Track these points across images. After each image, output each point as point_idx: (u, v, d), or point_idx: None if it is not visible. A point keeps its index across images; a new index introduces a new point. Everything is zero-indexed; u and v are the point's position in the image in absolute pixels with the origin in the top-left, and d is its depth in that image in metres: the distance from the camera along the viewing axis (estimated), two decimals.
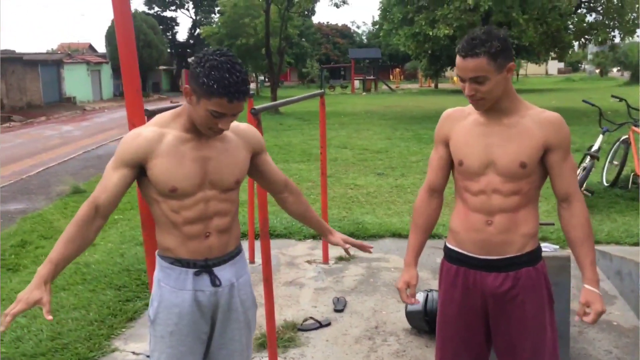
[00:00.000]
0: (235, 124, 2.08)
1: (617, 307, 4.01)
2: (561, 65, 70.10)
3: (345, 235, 2.38)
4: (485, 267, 2.10)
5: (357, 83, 41.84)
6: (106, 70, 38.85)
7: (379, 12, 21.55)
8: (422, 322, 3.66)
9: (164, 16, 52.13)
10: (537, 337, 2.13)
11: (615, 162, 7.31)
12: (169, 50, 48.06)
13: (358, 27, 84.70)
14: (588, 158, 6.75)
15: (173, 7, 52.70)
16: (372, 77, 42.53)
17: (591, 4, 19.09)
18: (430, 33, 17.35)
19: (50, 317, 1.72)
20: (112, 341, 3.78)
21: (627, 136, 7.21)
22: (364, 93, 38.24)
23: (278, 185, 2.23)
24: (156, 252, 2.09)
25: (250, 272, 2.22)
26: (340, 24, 65.47)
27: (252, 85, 37.76)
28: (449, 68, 42.33)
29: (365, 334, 3.77)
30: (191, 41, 53.57)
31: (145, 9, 50.34)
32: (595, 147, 6.86)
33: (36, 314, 4.13)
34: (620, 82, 40.99)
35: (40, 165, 11.73)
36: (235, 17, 33.32)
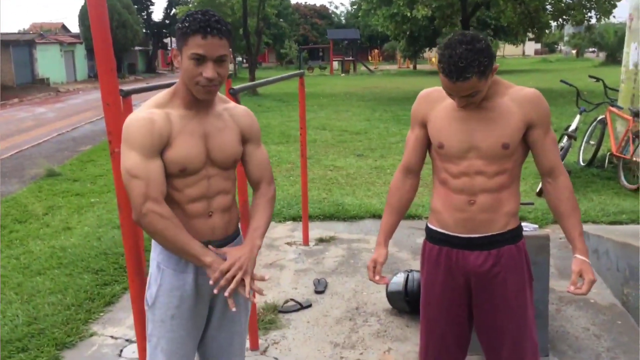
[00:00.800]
0: (232, 106, 2.05)
1: (594, 285, 4.04)
2: (538, 46, 70.54)
3: (238, 256, 1.92)
4: (468, 246, 2.10)
5: (335, 64, 41.68)
6: (80, 51, 38.06)
7: None
8: (403, 303, 3.67)
9: None
10: (519, 314, 2.15)
11: (592, 142, 7.38)
12: (144, 31, 47.18)
13: (336, 7, 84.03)
14: (565, 138, 6.81)
15: None
16: (350, 58, 42.35)
17: None
18: (409, 14, 17.27)
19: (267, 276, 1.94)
20: (90, 325, 3.73)
21: (604, 116, 7.28)
22: (343, 74, 38.08)
23: (251, 181, 2.13)
24: None
25: None
26: (318, 5, 65.02)
27: (230, 67, 37.35)
28: (427, 49, 42.35)
29: (346, 314, 3.77)
30: (167, 21, 52.61)
31: None
32: (572, 127, 6.91)
33: (11, 299, 4.06)
34: (596, 63, 41.43)
35: (13, 148, 11.48)
36: None
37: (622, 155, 6.66)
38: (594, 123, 7.45)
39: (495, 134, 1.99)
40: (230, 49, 1.87)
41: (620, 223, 5.28)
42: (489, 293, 2.12)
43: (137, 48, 44.68)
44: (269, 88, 22.07)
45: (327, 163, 8.76)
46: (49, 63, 33.17)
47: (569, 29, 47.45)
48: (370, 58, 49.87)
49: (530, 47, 70.58)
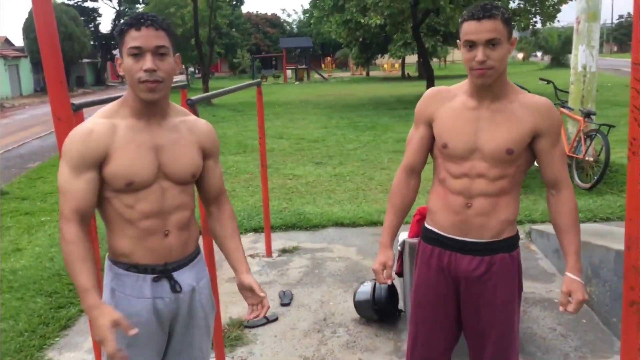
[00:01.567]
0: (192, 119, 1.95)
1: (556, 285, 4.10)
2: None
3: (256, 285, 1.93)
4: (461, 249, 2.06)
5: (289, 72, 41.64)
6: (25, 65, 36.90)
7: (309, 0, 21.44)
8: (371, 311, 3.62)
9: (85, 7, 49.92)
10: (505, 323, 2.12)
11: None
12: (92, 43, 46.13)
13: (289, 15, 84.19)
14: None
15: None
16: (304, 67, 42.43)
17: None
18: (362, 21, 17.38)
19: (135, 331, 1.67)
20: (45, 352, 3.54)
21: None
22: (297, 82, 38.10)
23: (208, 196, 2.02)
24: (107, 258, 1.91)
25: None
26: (269, 14, 64.90)
27: (182, 77, 36.86)
28: (379, 56, 42.77)
29: (314, 326, 3.70)
30: (115, 32, 51.67)
31: None
32: None
33: None
34: (542, 66, 42.74)
35: None
36: (160, 7, 32.43)
37: (575, 155, 6.81)
38: None
39: (500, 138, 1.96)
40: (172, 46, 1.78)
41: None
42: (478, 299, 2.09)
43: (85, 60, 43.67)
44: (223, 98, 21.84)
45: (286, 172, 8.68)
46: None
47: (515, 34, 48.78)
48: (323, 66, 50.10)
49: None
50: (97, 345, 2.26)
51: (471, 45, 1.87)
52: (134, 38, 1.71)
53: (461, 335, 2.22)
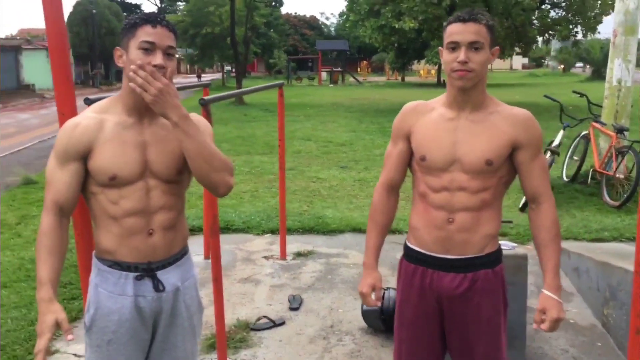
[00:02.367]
0: None
1: (574, 305, 3.98)
2: (525, 60, 71.18)
3: None
4: (444, 267, 2.01)
5: (324, 75, 41.68)
6: None
7: (345, 3, 21.43)
8: (378, 321, 3.57)
9: (128, 3, 51.03)
10: (491, 341, 2.06)
11: (576, 158, 7.34)
12: None
13: (327, 18, 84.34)
14: (549, 153, 6.76)
15: None
16: (339, 69, 42.43)
17: (555, 0, 19.32)
18: (396, 25, 17.29)
19: (71, 337, 1.68)
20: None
21: (587, 132, 7.25)
22: (331, 85, 38.12)
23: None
24: (93, 254, 1.92)
25: (204, 268, 2.06)
26: (308, 16, 65.17)
27: (218, 75, 37.25)
28: (415, 61, 42.52)
29: (320, 333, 3.66)
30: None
31: None
32: (555, 143, 6.87)
33: None
34: (582, 78, 41.81)
35: None
36: (200, 5, 32.81)
37: (605, 172, 6.62)
38: (578, 139, 7.41)
39: (479, 149, 1.92)
40: (177, 49, 1.82)
41: (603, 240, 5.22)
42: (462, 317, 2.04)
43: None
44: (255, 97, 21.97)
45: (310, 174, 8.65)
46: (35, 69, 32.86)
47: (556, 44, 47.94)
48: (359, 69, 50.01)
49: (518, 61, 71.21)
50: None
51: (454, 47, 1.87)
52: (149, 34, 1.72)
53: (446, 353, 2.16)
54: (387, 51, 33.62)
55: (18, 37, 38.70)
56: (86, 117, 1.80)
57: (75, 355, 3.42)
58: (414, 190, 2.08)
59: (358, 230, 5.74)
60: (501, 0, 16.77)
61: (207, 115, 2.91)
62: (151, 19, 1.73)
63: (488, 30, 1.87)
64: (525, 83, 38.53)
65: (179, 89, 5.18)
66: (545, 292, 1.93)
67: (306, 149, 11.09)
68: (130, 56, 1.74)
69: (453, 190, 1.95)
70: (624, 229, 5.45)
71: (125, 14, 44.89)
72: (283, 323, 3.78)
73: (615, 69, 6.73)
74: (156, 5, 52.32)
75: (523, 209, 6.25)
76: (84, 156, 1.77)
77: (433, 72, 44.72)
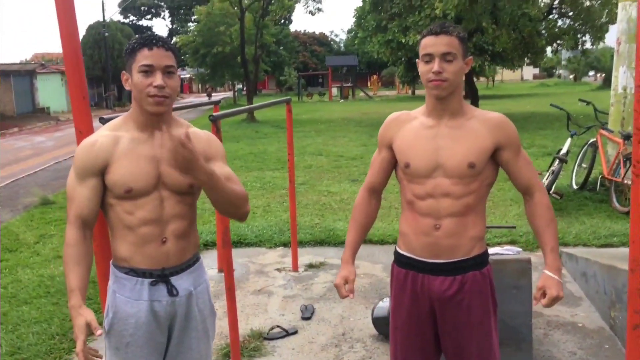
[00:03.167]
0: (194, 130, 2.05)
1: (582, 309, 4.02)
2: (536, 71, 71.13)
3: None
4: (433, 271, 2.10)
5: (334, 90, 41.96)
6: None
7: (353, 20, 21.66)
8: (388, 328, 3.63)
9: (139, 25, 51.90)
10: (483, 341, 2.15)
11: (584, 165, 7.38)
12: None
13: (336, 35, 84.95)
14: (557, 161, 6.81)
15: (149, 16, 52.50)
16: (349, 85, 42.67)
17: (562, 10, 19.36)
18: (403, 40, 17.45)
19: (100, 332, 1.81)
20: (74, 356, 3.69)
21: (595, 139, 7.29)
22: (342, 100, 38.35)
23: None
24: (111, 262, 2.04)
25: (218, 281, 2.18)
26: (318, 32, 65.68)
27: (229, 94, 37.61)
28: None
29: (332, 341, 3.74)
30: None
31: (120, 18, 50.00)
32: (563, 151, 6.92)
33: None
34: (593, 87, 41.70)
35: (9, 177, 11.50)
36: (210, 25, 33.23)
37: (614, 178, 6.65)
38: (585, 146, 7.46)
39: (461, 153, 2.02)
40: (176, 65, 1.92)
41: (612, 246, 5.26)
42: (453, 318, 2.12)
43: None
44: (266, 114, 22.20)
45: (322, 188, 8.75)
46: (50, 92, 33.46)
47: (566, 54, 47.91)
48: (369, 84, 50.23)
49: (529, 71, 71.15)
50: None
51: (428, 59, 1.99)
52: (146, 57, 1.84)
53: (441, 355, 2.24)
54: (397, 65, 33.73)
55: (33, 62, 39.42)
56: (102, 135, 1.93)
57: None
58: (402, 199, 2.18)
59: (369, 241, 5.81)
60: (507, 12, 16.85)
61: (217, 131, 3.03)
62: (147, 42, 1.86)
63: (460, 41, 1.99)
64: (536, 93, 38.48)
65: (190, 107, 5.32)
66: (546, 272, 2.05)
67: (317, 163, 11.20)
68: (133, 80, 1.87)
69: (438, 197, 2.05)
70: None
71: (137, 36, 45.58)
72: (296, 332, 3.87)
73: (620, 76, 6.79)
74: (167, 26, 53.17)
75: None
76: (101, 171, 1.89)
77: None
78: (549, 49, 22.01)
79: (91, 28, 38.83)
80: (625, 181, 6.46)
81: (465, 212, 2.05)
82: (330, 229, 6.23)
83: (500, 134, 2.05)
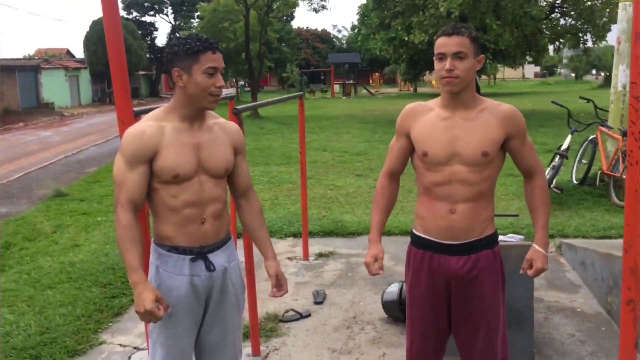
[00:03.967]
0: (223, 121, 2.28)
1: (581, 295, 4.24)
2: (537, 69, 71.23)
3: (279, 271, 2.37)
4: (449, 252, 2.30)
5: (337, 87, 42.10)
6: (84, 76, 38.61)
7: (357, 17, 21.83)
8: (397, 312, 3.85)
9: (142, 21, 51.88)
10: (493, 313, 2.36)
11: (584, 161, 7.59)
12: (148, 56, 47.89)
13: (339, 31, 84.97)
14: (557, 157, 7.02)
15: (152, 12, 52.48)
16: (351, 82, 42.83)
17: (564, 9, 19.55)
18: (406, 38, 17.64)
19: (168, 310, 2.03)
20: (100, 334, 3.91)
21: (594, 136, 7.50)
22: (344, 97, 38.50)
23: (238, 189, 2.36)
24: (152, 241, 2.24)
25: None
26: (320, 29, 65.76)
27: (232, 90, 37.75)
28: (427, 72, 42.76)
29: (344, 323, 3.95)
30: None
31: (124, 14, 50.00)
32: (564, 147, 7.13)
33: (23, 311, 4.24)
34: (594, 85, 41.83)
35: (20, 170, 11.73)
36: (214, 22, 33.37)
37: (613, 174, 6.86)
38: (585, 143, 7.66)
39: (475, 142, 2.21)
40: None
41: (610, 238, 5.46)
42: (467, 293, 2.33)
43: (140, 73, 45.30)
44: (270, 111, 22.40)
45: (327, 183, 8.96)
46: (54, 88, 33.64)
47: (567, 52, 48.01)
48: (371, 81, 50.39)
49: (530, 70, 71.26)
50: (146, 325, 2.58)
51: (441, 57, 2.18)
52: (212, 60, 2.06)
53: (450, 336, 2.44)
54: (399, 63, 33.92)
55: (36, 57, 39.60)
56: (148, 124, 2.12)
57: (121, 345, 3.75)
58: (418, 185, 2.38)
59: None
60: (510, 10, 17.04)
61: (239, 124, 3.24)
62: (212, 47, 2.06)
63: (471, 41, 2.16)
64: (537, 91, 38.66)
65: None
66: (535, 246, 2.31)
67: (322, 159, 11.41)
68: (196, 79, 2.06)
69: (454, 184, 2.24)
70: None
71: (140, 32, 45.74)
72: (309, 315, 4.08)
73: (620, 75, 6.99)
74: (170, 22, 53.29)
75: None
76: (151, 159, 2.08)
77: None
78: (550, 48, 22.18)
79: (95, 24, 38.97)
80: (624, 176, 6.66)
81: (478, 198, 2.25)
82: (338, 220, 6.44)
83: (511, 125, 2.24)
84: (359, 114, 22.76)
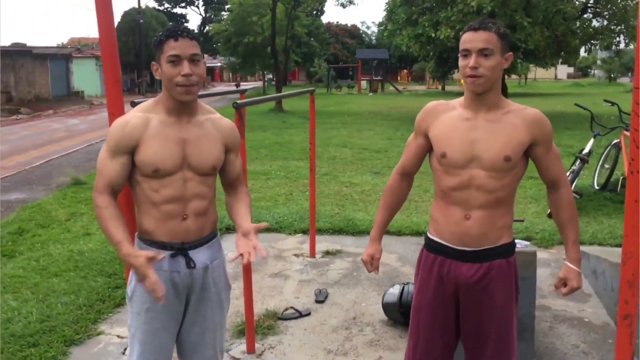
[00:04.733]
0: (217, 117, 2.22)
1: (590, 305, 4.10)
2: (571, 70, 69.91)
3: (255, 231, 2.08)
4: (461, 258, 2.20)
5: (364, 83, 41.90)
6: None
7: (384, 12, 21.65)
8: (397, 314, 3.77)
9: (174, 13, 52.48)
10: (503, 325, 2.24)
11: (607, 166, 7.38)
12: None
13: (368, 27, 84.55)
14: (578, 161, 6.84)
15: (183, 4, 53.02)
16: (378, 78, 42.60)
17: (597, 9, 19.10)
18: (433, 35, 17.42)
19: (162, 255, 1.96)
20: (99, 325, 3.91)
21: (618, 140, 7.29)
22: (371, 93, 38.31)
23: (226, 186, 2.31)
24: (135, 234, 2.21)
25: (238, 263, 2.35)
26: (350, 24, 65.56)
27: (260, 84, 37.87)
28: (456, 70, 42.29)
29: (343, 324, 3.89)
30: (200, 38, 53.77)
31: (155, 5, 50.59)
32: (585, 151, 6.94)
33: (27, 298, 4.28)
34: (628, 88, 40.79)
35: (43, 157, 11.92)
36: (243, 15, 33.51)
37: None
38: (609, 147, 7.45)
39: (498, 146, 2.08)
40: (201, 54, 2.09)
41: None
42: (477, 303, 2.22)
43: None
44: (294, 105, 22.36)
45: (344, 180, 8.89)
46: (84, 76, 34.17)
47: (601, 54, 46.98)
48: (399, 78, 50.08)
49: (563, 70, 69.99)
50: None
51: (466, 53, 2.05)
52: (173, 47, 2.00)
53: (459, 343, 2.34)
54: (427, 60, 33.59)
55: (69, 46, 40.26)
56: (134, 116, 2.09)
57: (118, 336, 3.75)
58: (435, 187, 2.27)
59: (387, 232, 5.92)
60: (541, 9, 16.70)
61: (240, 118, 3.20)
62: (173, 33, 2.00)
63: (499, 37, 2.03)
64: (569, 93, 37.89)
65: (216, 94, 5.51)
66: (568, 264, 2.18)
67: (341, 155, 11.34)
68: (163, 70, 2.03)
69: (471, 189, 2.12)
70: None
71: (171, 23, 46.16)
72: (309, 314, 4.03)
73: None
74: (200, 15, 53.69)
75: (551, 215, 6.34)
76: (132, 150, 2.05)
77: None
78: (582, 49, 21.70)
79: (126, 15, 39.48)
80: None
81: (495, 205, 2.13)
82: (350, 218, 6.37)
83: (537, 130, 2.11)
84: (383, 110, 22.60)
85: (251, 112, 20.04)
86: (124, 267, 4.91)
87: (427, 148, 2.26)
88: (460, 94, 2.32)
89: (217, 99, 26.55)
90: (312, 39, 50.15)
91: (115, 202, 2.07)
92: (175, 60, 1.99)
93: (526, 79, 55.28)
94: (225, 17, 41.89)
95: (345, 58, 58.82)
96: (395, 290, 3.83)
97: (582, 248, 4.98)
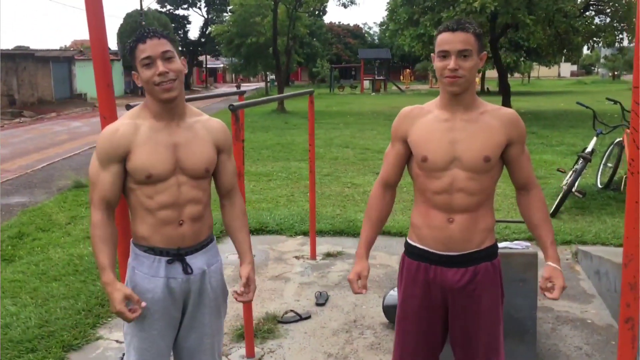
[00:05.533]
0: (205, 118, 2.18)
1: (593, 306, 4.06)
2: (574, 68, 69.71)
3: (252, 276, 2.22)
4: (446, 263, 2.16)
5: (366, 83, 41.87)
6: (117, 68, 39.14)
7: (386, 12, 21.59)
8: None
9: (176, 14, 52.41)
10: (491, 329, 2.22)
11: (610, 165, 7.33)
12: (180, 49, 48.31)
13: (369, 27, 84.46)
14: (580, 160, 6.78)
15: (185, 6, 52.96)
16: (381, 78, 42.53)
17: (599, 6, 18.98)
18: (434, 34, 17.32)
19: (144, 304, 2.01)
20: (98, 330, 3.89)
21: (621, 139, 7.23)
22: (373, 93, 38.28)
23: (221, 189, 2.26)
24: (131, 241, 2.18)
25: (237, 265, 2.33)
26: (352, 25, 65.50)
27: (262, 85, 37.85)
28: None
29: (344, 327, 3.86)
30: (202, 39, 53.86)
31: (157, 7, 50.59)
32: (588, 149, 6.88)
33: (26, 302, 4.25)
34: (632, 86, 40.66)
35: (45, 160, 11.91)
36: (245, 16, 33.45)
37: None
38: (612, 146, 7.40)
39: (477, 146, 2.06)
40: (175, 50, 2.03)
41: None
42: (465, 308, 2.19)
43: None
44: (297, 105, 22.34)
45: (346, 180, 8.86)
46: (87, 79, 34.13)
47: (605, 51, 46.82)
48: (402, 78, 49.97)
49: (566, 68, 69.81)
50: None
51: (444, 55, 2.02)
52: (143, 50, 1.97)
53: (445, 345, 2.31)
54: (430, 60, 33.54)
55: (72, 49, 40.34)
56: (123, 123, 2.06)
57: (117, 341, 3.72)
58: (415, 192, 2.23)
59: (387, 233, 5.91)
60: (543, 7, 16.59)
61: (236, 120, 3.17)
62: (140, 37, 1.98)
63: (475, 38, 2.02)
64: (572, 91, 37.76)
65: (214, 96, 5.53)
66: (550, 263, 2.12)
67: (343, 155, 11.30)
68: (140, 75, 2.00)
69: (452, 192, 2.09)
70: None
71: (173, 25, 46.16)
72: (309, 317, 3.99)
73: None
74: (203, 16, 53.70)
75: (554, 214, 6.30)
76: (123, 158, 2.02)
77: (477, 79, 44.28)
78: (585, 46, 21.61)
79: (129, 17, 39.53)
80: None
81: (477, 207, 2.11)
82: (351, 220, 6.34)
83: (514, 131, 2.10)
84: (386, 110, 22.55)
85: (254, 113, 20.02)
86: (119, 262, 4.90)
87: (407, 155, 2.21)
88: None
89: (219, 101, 26.53)
90: (314, 39, 50.10)
91: (111, 219, 2.05)
92: (149, 62, 1.97)
93: (529, 77, 55.11)
94: (227, 18, 41.86)
95: (347, 58, 58.79)
96: (395, 293, 3.78)
97: (586, 248, 4.99)
